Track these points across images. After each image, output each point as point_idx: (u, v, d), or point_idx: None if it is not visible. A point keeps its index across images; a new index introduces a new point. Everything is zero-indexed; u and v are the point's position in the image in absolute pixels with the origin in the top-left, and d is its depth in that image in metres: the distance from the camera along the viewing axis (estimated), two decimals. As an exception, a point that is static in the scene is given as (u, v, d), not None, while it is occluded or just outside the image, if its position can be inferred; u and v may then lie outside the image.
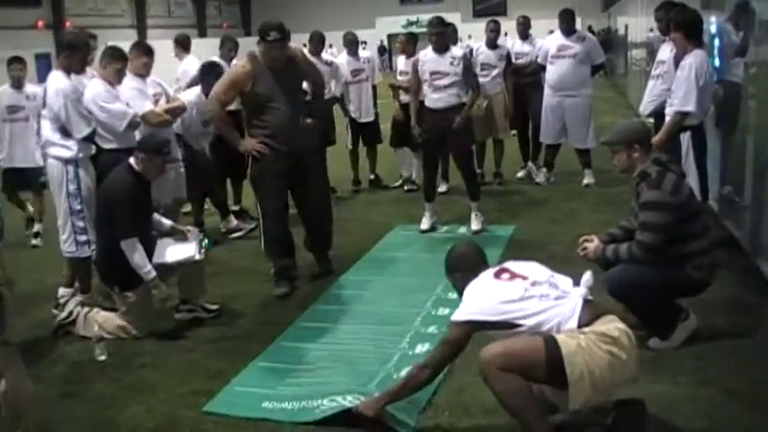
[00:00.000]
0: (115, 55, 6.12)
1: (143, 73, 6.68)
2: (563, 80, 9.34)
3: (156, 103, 6.73)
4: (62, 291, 5.86)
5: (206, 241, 5.91)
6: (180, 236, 5.69)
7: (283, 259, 6.31)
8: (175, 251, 5.60)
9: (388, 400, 3.83)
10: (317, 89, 6.79)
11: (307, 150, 6.27)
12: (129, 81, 6.37)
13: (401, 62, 9.71)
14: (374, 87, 9.93)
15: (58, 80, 5.60)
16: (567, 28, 9.46)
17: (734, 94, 6.46)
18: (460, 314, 3.64)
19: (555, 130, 9.55)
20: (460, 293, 3.80)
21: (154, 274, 5.31)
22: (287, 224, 6.39)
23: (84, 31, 6.05)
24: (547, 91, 9.56)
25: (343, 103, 9.74)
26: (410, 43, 9.62)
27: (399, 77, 9.62)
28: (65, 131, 5.59)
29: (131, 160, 5.42)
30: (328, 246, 6.68)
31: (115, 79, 6.11)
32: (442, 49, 7.54)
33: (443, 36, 7.60)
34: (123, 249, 5.21)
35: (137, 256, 5.24)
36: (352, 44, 9.86)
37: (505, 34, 9.96)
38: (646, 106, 7.09)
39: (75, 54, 5.69)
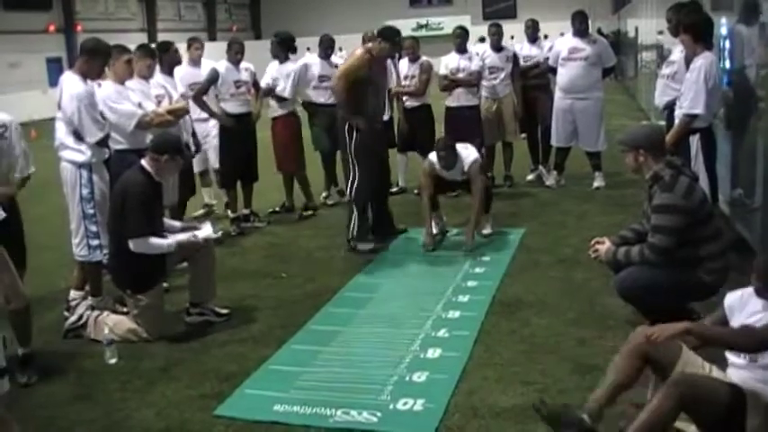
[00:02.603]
0: (121, 50, 6.21)
1: (146, 75, 6.77)
2: (574, 83, 9.31)
3: (158, 104, 6.77)
4: (73, 294, 5.88)
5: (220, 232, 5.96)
6: (191, 230, 5.74)
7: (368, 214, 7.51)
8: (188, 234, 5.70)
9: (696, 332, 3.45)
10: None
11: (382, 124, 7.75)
12: (133, 82, 6.42)
13: (404, 66, 9.65)
14: (388, 90, 9.87)
15: (73, 84, 5.61)
16: (580, 30, 9.42)
17: (745, 97, 6.44)
18: None
19: (566, 133, 9.52)
20: None
21: (174, 241, 5.38)
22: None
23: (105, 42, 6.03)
24: (558, 93, 9.54)
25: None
26: (414, 47, 9.61)
27: (404, 82, 9.58)
28: (78, 135, 5.61)
29: (143, 162, 5.44)
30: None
31: (126, 73, 6.19)
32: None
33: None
34: (135, 248, 5.24)
35: (152, 244, 5.29)
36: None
37: (511, 38, 9.94)
38: (659, 101, 7.08)
39: (94, 60, 5.70)
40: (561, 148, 9.69)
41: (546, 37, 10.04)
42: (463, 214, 8.47)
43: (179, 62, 7.99)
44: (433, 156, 7.40)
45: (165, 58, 7.60)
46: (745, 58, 6.53)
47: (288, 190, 9.11)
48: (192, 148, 7.55)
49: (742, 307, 3.51)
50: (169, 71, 7.66)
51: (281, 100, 8.84)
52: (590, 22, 9.61)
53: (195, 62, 8.77)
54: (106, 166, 5.87)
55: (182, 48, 8.29)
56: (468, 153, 7.30)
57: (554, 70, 9.82)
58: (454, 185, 7.82)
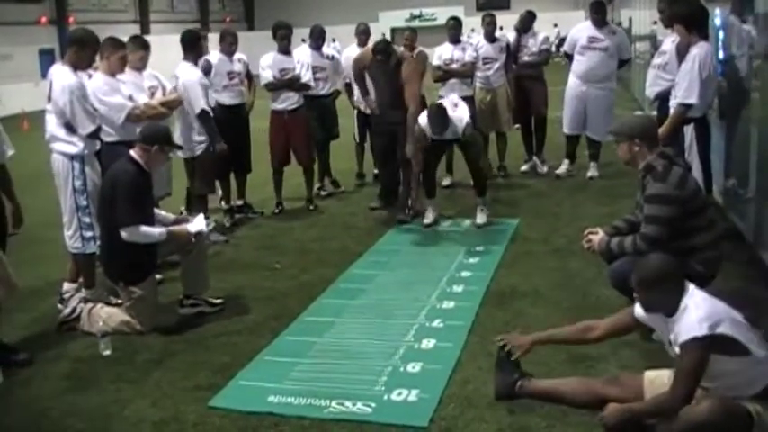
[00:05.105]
0: (117, 45, 6.18)
1: (139, 66, 6.74)
2: (592, 72, 9.31)
3: (152, 95, 6.75)
4: (66, 286, 5.87)
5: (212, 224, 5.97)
6: (183, 223, 5.72)
7: (385, 185, 8.64)
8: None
9: (634, 414, 3.55)
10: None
11: (396, 118, 7.93)
12: (126, 74, 6.40)
13: None
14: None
15: (64, 76, 5.58)
16: (599, 20, 9.40)
17: (738, 87, 6.45)
18: (700, 328, 3.31)
19: (576, 121, 9.53)
20: (663, 309, 3.55)
21: (165, 230, 5.38)
22: (388, 163, 8.48)
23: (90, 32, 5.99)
24: (573, 80, 9.52)
25: (350, 96, 9.71)
26: (412, 39, 9.58)
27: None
28: (70, 127, 5.59)
29: (132, 152, 5.43)
30: (395, 186, 8.51)
31: (118, 68, 6.16)
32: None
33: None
34: (127, 237, 5.22)
35: (142, 232, 5.26)
36: (362, 36, 9.81)
37: (500, 28, 9.93)
38: (650, 91, 7.08)
39: (83, 50, 5.68)
40: (571, 136, 9.68)
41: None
42: (457, 205, 8.49)
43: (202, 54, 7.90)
44: (423, 119, 7.39)
45: (197, 48, 7.60)
46: (738, 48, 6.54)
47: (279, 187, 8.92)
48: None
49: (655, 322, 3.72)
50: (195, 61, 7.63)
51: (306, 89, 8.74)
52: (582, 12, 9.59)
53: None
54: (97, 158, 5.86)
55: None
56: (460, 116, 7.35)
57: (547, 61, 9.83)
58: (447, 146, 7.95)
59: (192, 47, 7.57)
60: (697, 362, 3.33)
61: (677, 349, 3.42)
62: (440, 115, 7.21)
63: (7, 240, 5.36)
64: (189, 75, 7.33)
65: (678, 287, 3.52)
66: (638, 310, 3.76)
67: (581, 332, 4.04)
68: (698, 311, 3.38)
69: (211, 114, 7.51)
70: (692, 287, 3.54)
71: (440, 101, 7.76)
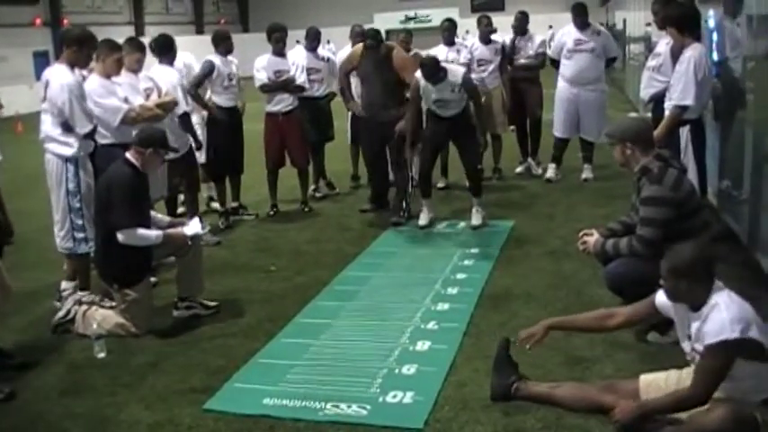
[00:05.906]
0: (113, 46, 6.16)
1: (135, 68, 6.72)
2: (581, 75, 9.32)
3: (147, 97, 6.74)
4: (64, 284, 5.87)
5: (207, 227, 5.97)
6: (179, 226, 5.71)
7: (375, 188, 8.65)
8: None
9: (647, 411, 3.54)
10: (406, 82, 7.88)
11: (387, 118, 7.91)
12: (122, 76, 6.39)
13: None
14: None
15: (62, 74, 5.57)
16: (582, 22, 9.40)
17: (732, 88, 6.46)
18: (732, 330, 3.28)
19: (568, 124, 9.52)
20: (690, 300, 3.52)
21: (162, 233, 5.36)
22: (379, 165, 8.46)
23: (85, 29, 5.98)
24: (562, 84, 9.53)
25: (345, 97, 9.69)
26: (408, 41, 9.61)
27: None
28: (66, 127, 5.57)
29: (128, 155, 5.41)
30: (385, 189, 8.69)
31: (114, 70, 6.15)
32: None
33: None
34: (124, 240, 5.21)
35: (139, 235, 5.24)
36: (357, 37, 9.80)
37: (494, 30, 9.93)
38: (644, 93, 7.08)
39: (82, 49, 5.68)
40: (561, 139, 9.67)
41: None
42: (452, 207, 8.49)
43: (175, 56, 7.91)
44: (419, 73, 7.41)
45: (172, 51, 7.63)
46: (732, 50, 6.55)
47: (274, 188, 8.90)
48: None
49: (677, 313, 3.68)
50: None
51: (301, 91, 8.79)
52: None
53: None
54: (91, 160, 5.85)
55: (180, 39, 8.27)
56: (457, 68, 7.55)
57: (543, 64, 9.83)
58: (447, 136, 7.80)
59: (168, 50, 7.56)
60: (723, 364, 3.32)
61: (698, 346, 3.40)
62: (433, 62, 7.28)
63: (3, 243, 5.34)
64: (168, 78, 7.28)
65: (708, 280, 3.48)
66: (660, 299, 3.73)
67: (599, 320, 4.00)
68: (729, 312, 3.33)
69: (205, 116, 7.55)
70: (721, 284, 3.50)
71: None
